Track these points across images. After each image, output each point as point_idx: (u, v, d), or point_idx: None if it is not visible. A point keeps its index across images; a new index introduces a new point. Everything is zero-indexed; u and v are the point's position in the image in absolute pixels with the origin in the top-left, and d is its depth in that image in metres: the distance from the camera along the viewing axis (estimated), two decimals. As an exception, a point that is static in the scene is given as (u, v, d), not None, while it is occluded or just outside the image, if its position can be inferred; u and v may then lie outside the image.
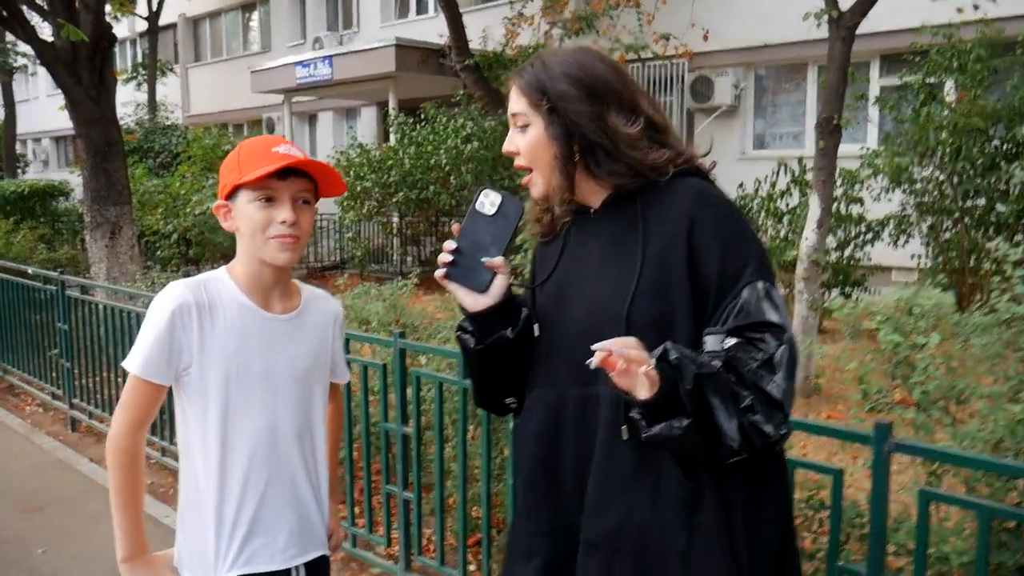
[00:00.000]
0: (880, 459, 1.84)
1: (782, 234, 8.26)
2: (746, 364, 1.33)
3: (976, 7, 7.23)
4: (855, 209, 8.68)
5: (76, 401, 5.65)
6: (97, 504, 4.29)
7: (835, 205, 7.81)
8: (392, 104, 14.14)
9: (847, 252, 8.49)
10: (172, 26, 23.89)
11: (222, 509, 1.67)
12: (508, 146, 1.56)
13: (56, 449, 5.26)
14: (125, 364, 1.64)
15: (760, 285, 1.39)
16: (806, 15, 6.04)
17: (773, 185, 8.35)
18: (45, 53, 7.56)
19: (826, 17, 5.76)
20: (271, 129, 19.21)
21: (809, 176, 8.64)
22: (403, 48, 13.82)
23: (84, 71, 7.66)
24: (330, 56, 14.97)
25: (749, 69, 12.69)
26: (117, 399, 1.67)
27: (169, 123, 20.31)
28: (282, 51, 19.23)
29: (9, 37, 19.22)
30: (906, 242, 8.74)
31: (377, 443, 3.83)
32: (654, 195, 1.48)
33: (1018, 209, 7.88)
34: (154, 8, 21.31)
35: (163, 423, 4.71)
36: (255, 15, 22.20)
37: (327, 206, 13.77)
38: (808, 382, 6.08)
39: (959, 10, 7.36)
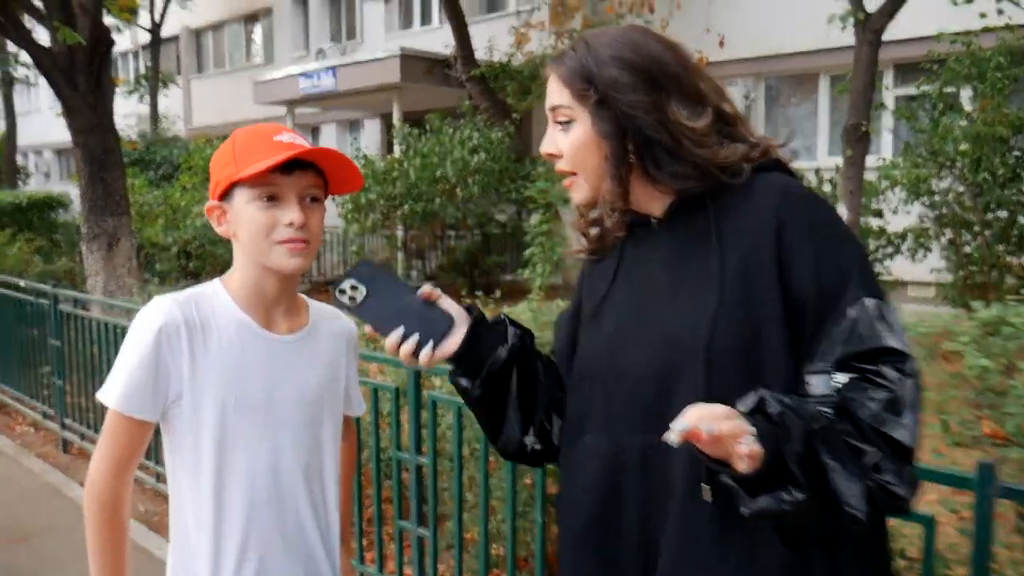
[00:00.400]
0: (984, 505, 1.59)
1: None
2: (865, 407, 1.07)
3: (1000, 11, 7.00)
4: (875, 222, 8.45)
5: (68, 421, 5.39)
6: (87, 533, 4.02)
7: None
8: (396, 115, 13.95)
9: (871, 267, 8.26)
10: (175, 38, 23.76)
11: (218, 570, 1.41)
12: (547, 147, 1.31)
13: (46, 472, 5.00)
14: (101, 396, 1.37)
15: (870, 303, 1.12)
16: (831, 17, 5.83)
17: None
18: (41, 58, 7.34)
19: (851, 20, 5.53)
20: (273, 141, 19.01)
21: (827, 188, 8.43)
22: (408, 58, 13.65)
23: (81, 76, 7.43)
24: (334, 67, 14.79)
25: (759, 79, 12.50)
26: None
27: (171, 135, 20.12)
28: (285, 62, 19.08)
29: (11, 47, 19.09)
30: (925, 256, 8.51)
31: (387, 470, 3.57)
32: (729, 198, 1.22)
33: (1042, 221, 7.66)
34: (157, 20, 21.20)
35: (157, 445, 4.44)
36: (258, 27, 22.07)
37: (331, 218, 13.55)
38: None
39: (982, 15, 7.14)
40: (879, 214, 8.46)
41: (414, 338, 1.28)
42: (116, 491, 1.38)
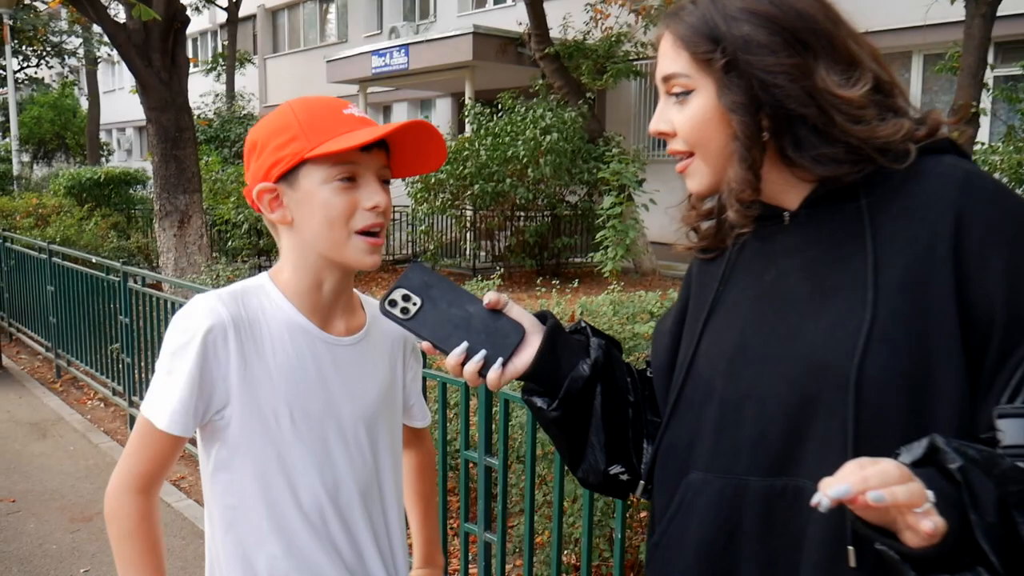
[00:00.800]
0: None
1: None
2: None
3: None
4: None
5: (136, 399, 5.37)
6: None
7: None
8: (468, 94, 13.78)
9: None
10: (251, 17, 24.02)
11: None
12: (658, 124, 1.06)
13: (113, 450, 4.98)
14: (146, 412, 1.19)
15: None
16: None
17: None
18: (116, 35, 7.34)
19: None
20: (346, 120, 19.09)
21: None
22: (481, 36, 13.46)
23: (155, 53, 7.42)
24: (406, 45, 14.69)
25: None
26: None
27: (245, 112, 20.35)
28: (359, 41, 19.08)
29: (96, 28, 19.53)
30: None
31: (453, 463, 3.40)
32: (887, 188, 0.98)
33: None
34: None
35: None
36: (332, 6, 22.15)
37: (400, 198, 13.49)
38: None
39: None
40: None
41: (480, 354, 1.07)
42: (143, 508, 1.20)
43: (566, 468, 1.43)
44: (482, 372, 1.07)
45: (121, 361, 5.48)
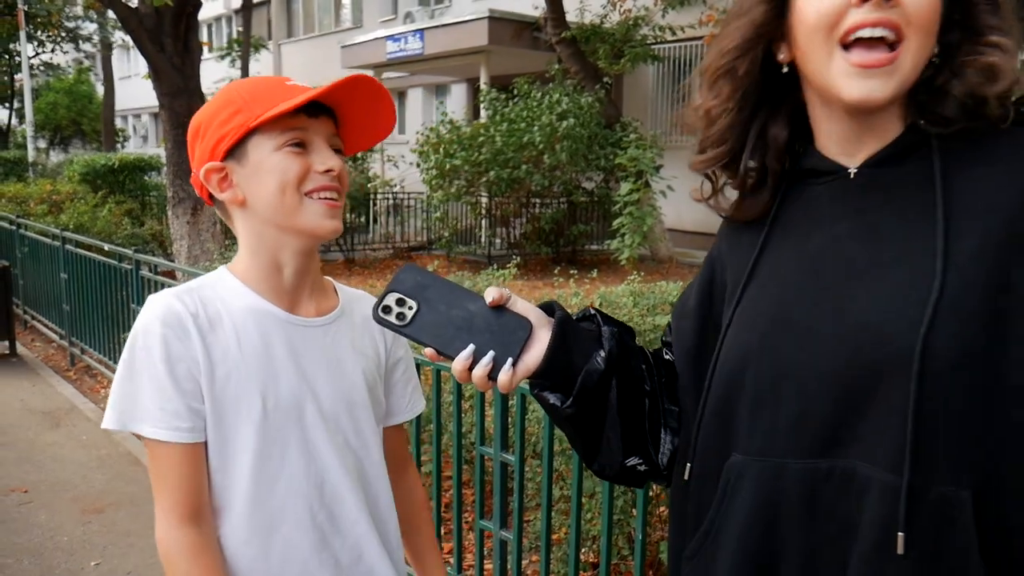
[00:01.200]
0: None
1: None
2: None
3: None
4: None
5: (149, 387, 5.33)
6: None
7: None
8: (484, 79, 13.67)
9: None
10: (266, 2, 23.96)
11: None
12: None
13: (126, 440, 4.94)
14: (143, 431, 1.10)
15: None
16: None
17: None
18: (128, 19, 7.30)
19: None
20: (360, 106, 19.03)
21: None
22: (496, 21, 13.34)
23: (168, 38, 7.38)
24: (421, 30, 14.59)
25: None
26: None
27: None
28: (374, 26, 18.98)
29: (111, 15, 19.53)
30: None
31: (468, 456, 3.33)
32: (965, 147, 0.88)
33: None
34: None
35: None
36: (347, -10, 22.04)
37: (415, 185, 13.41)
38: None
39: None
40: None
41: (488, 356, 1.00)
42: (194, 542, 1.10)
43: (584, 464, 1.34)
44: (492, 375, 1.00)
45: (134, 349, 5.44)
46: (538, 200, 11.71)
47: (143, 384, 1.09)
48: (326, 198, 1.14)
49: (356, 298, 1.31)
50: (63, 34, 24.90)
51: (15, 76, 24.38)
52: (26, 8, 18.26)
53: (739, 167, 1.02)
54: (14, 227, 7.82)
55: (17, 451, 4.65)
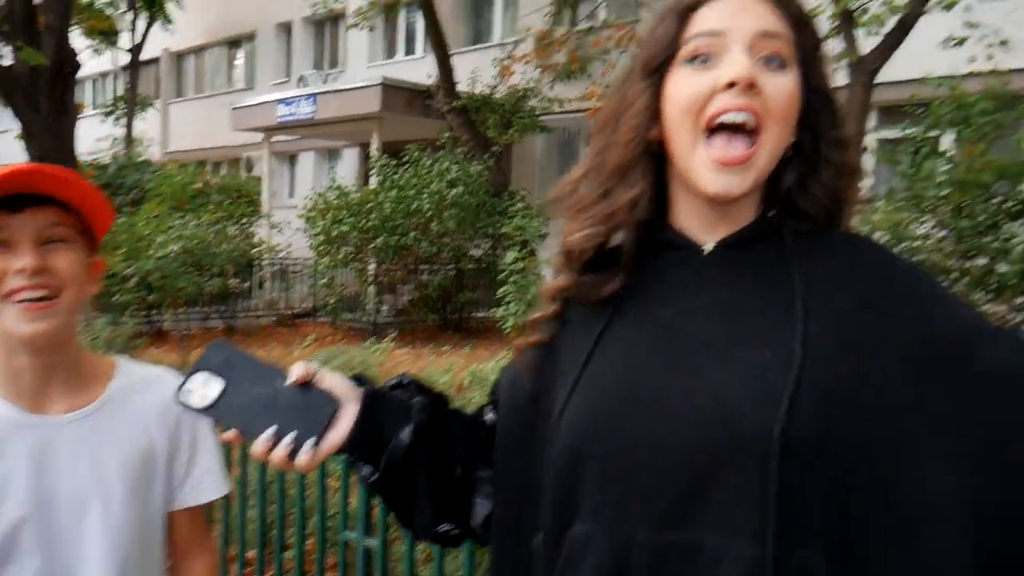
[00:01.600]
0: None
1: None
2: None
3: (990, 57, 6.90)
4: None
5: None
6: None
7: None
8: (375, 145, 13.75)
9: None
10: (155, 60, 23.53)
11: None
12: (742, 71, 0.89)
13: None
14: None
15: None
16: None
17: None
18: (2, 79, 7.06)
19: (844, 62, 5.38)
20: (249, 168, 18.82)
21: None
22: (389, 88, 13.48)
23: (43, 99, 7.18)
24: (314, 94, 14.60)
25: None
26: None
27: (142, 159, 19.78)
28: (266, 88, 18.89)
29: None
30: (907, 302, 8.36)
31: (332, 548, 3.27)
32: (811, 241, 0.96)
33: (1020, 270, 7.53)
34: (137, 41, 20.96)
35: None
36: (241, 52, 21.90)
37: (302, 250, 13.26)
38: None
39: (971, 59, 7.05)
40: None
41: (290, 436, 0.99)
42: None
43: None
44: (292, 455, 0.99)
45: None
46: (426, 267, 11.76)
47: None
48: (25, 300, 1.09)
49: (140, 382, 1.27)
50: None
51: None
52: None
53: (605, 244, 1.02)
54: None
55: None
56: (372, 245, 11.15)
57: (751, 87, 0.89)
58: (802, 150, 0.96)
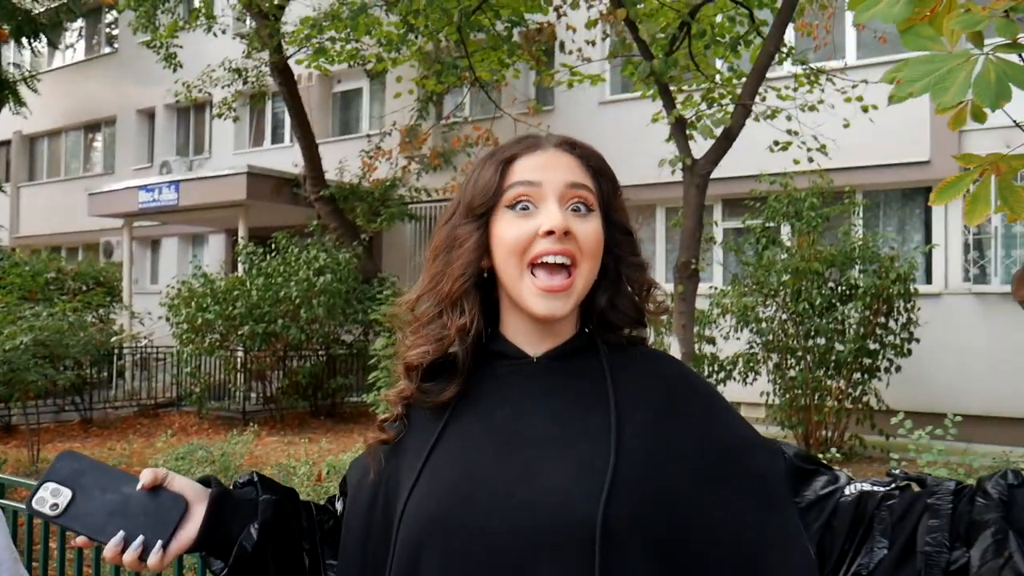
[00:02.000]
0: None
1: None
2: None
3: (811, 159, 7.70)
4: (708, 348, 8.82)
5: None
6: None
7: (690, 346, 7.88)
8: (242, 232, 13.62)
9: (703, 392, 8.56)
10: (5, 143, 22.58)
11: None
12: (556, 220, 1.09)
13: None
14: None
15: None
16: (661, 161, 6.20)
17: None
18: None
19: (680, 164, 5.91)
20: (108, 254, 18.13)
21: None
22: (255, 176, 13.46)
23: None
24: (177, 181, 14.38)
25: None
26: None
27: (-8, 245, 18.77)
28: (127, 174, 18.43)
29: None
30: (754, 379, 8.93)
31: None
32: (621, 353, 1.16)
33: (855, 348, 8.24)
34: (-15, 124, 20.10)
35: None
36: (99, 136, 21.33)
37: (165, 338, 12.86)
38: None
39: (795, 161, 7.83)
40: (712, 341, 8.84)
41: (138, 540, 1.06)
42: None
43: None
44: (142, 557, 1.06)
45: None
46: (295, 353, 11.65)
47: None
48: None
49: None
50: None
51: None
52: None
53: (442, 356, 1.15)
54: None
55: None
56: (239, 332, 10.98)
57: (566, 234, 1.09)
58: (607, 275, 1.16)
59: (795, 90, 7.84)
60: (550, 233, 1.08)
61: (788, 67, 8.72)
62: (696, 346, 8.15)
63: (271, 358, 11.47)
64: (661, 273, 12.39)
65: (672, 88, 6.88)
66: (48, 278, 13.58)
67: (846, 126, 7.73)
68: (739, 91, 6.31)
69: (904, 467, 0.89)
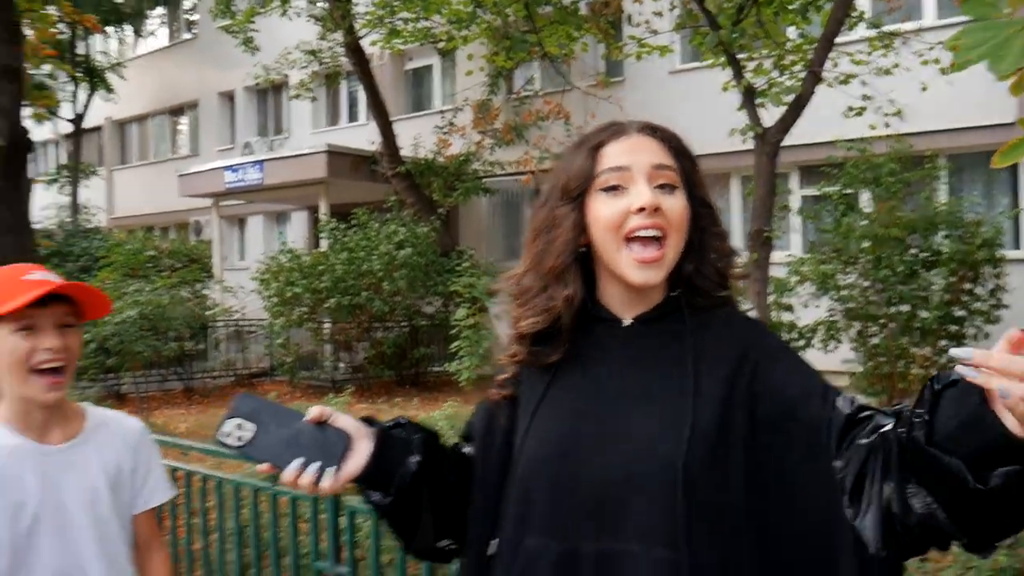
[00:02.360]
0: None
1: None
2: None
3: (887, 124, 7.60)
4: (786, 316, 8.81)
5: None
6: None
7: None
8: (323, 209, 14.04)
9: (782, 360, 8.55)
10: (98, 128, 23.58)
11: None
12: (656, 199, 1.22)
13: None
14: None
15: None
16: (732, 131, 6.24)
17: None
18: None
19: (751, 133, 5.95)
20: (198, 232, 18.88)
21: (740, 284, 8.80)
22: (334, 154, 13.80)
23: (-1, 178, 7.36)
24: (261, 161, 14.86)
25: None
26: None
27: (91, 226, 19.74)
28: (211, 155, 19.08)
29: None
30: (836, 347, 8.87)
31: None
32: (703, 316, 1.28)
33: (939, 316, 8.12)
34: (79, 111, 21.04)
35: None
36: (184, 119, 22.09)
37: (256, 311, 13.43)
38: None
39: (872, 127, 7.72)
40: (789, 308, 8.83)
41: (314, 466, 1.21)
42: None
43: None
44: (318, 481, 1.22)
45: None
46: (380, 325, 12.02)
47: None
48: (49, 370, 1.53)
49: (106, 420, 1.72)
50: None
51: None
52: None
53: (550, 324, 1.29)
54: None
55: None
56: (325, 305, 11.40)
57: (656, 210, 1.22)
58: (692, 245, 1.28)
59: (869, 54, 7.71)
60: (642, 210, 1.22)
61: (862, 31, 8.57)
62: (773, 314, 8.15)
63: (357, 329, 11.87)
64: (738, 241, 12.36)
65: (742, 56, 6.89)
66: (147, 256, 14.27)
67: (924, 89, 7.57)
68: (810, 57, 6.29)
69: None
